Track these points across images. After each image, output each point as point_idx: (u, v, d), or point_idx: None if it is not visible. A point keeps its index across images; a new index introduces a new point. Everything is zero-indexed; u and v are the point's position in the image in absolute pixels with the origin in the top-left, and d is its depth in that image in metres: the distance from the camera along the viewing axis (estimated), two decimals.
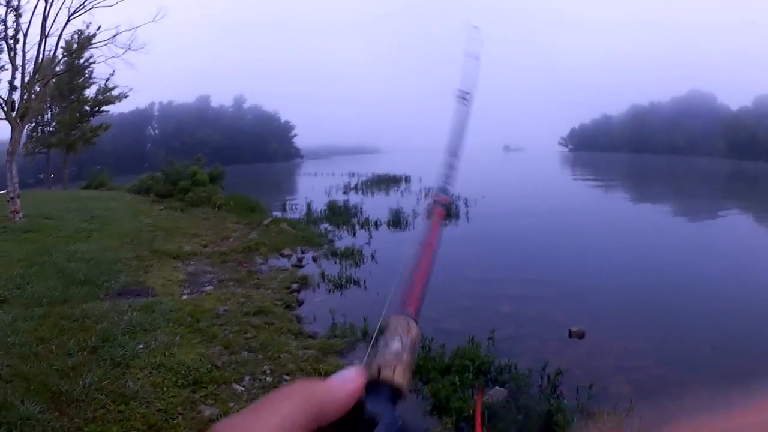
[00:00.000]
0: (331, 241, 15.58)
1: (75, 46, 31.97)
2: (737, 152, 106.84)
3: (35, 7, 16.90)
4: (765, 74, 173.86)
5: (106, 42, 25.13)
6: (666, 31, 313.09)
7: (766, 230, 20.46)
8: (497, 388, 5.86)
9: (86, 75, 37.28)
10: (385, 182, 38.61)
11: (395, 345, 0.81)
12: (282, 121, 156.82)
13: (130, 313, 7.17)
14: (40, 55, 17.09)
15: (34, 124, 36.69)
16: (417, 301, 1.11)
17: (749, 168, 76.11)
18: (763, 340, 8.04)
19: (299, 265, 12.60)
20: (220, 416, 5.13)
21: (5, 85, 16.19)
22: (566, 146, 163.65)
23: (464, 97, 2.12)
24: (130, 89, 37.42)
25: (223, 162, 30.00)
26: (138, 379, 5.25)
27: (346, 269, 11.97)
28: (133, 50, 25.45)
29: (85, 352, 5.84)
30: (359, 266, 12.47)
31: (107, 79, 36.69)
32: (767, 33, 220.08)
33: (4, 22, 16.46)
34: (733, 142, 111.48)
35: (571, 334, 8.15)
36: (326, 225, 18.92)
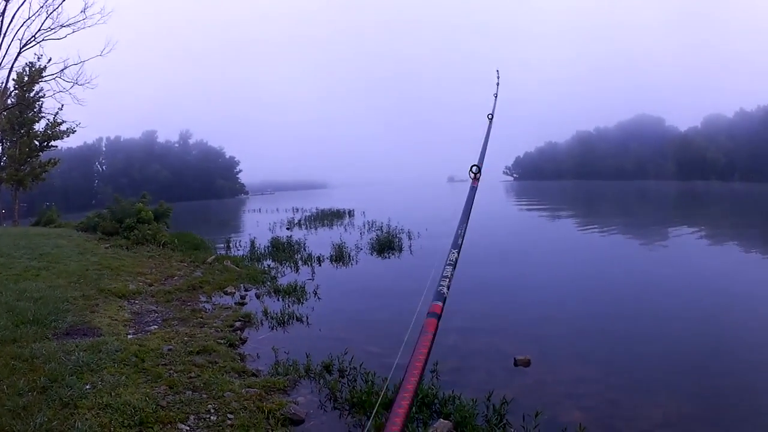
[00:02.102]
0: (274, 278, 15.58)
1: (26, 78, 31.56)
2: (687, 173, 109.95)
3: None
4: (713, 94, 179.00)
5: (54, 76, 24.97)
6: (611, 56, 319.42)
7: (716, 249, 20.88)
8: (441, 420, 5.92)
9: (36, 109, 36.72)
10: (329, 217, 38.81)
11: None
12: (227, 156, 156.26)
13: (77, 353, 7.17)
14: None
15: None
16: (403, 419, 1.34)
17: (700, 187, 78.34)
18: (717, 361, 8.32)
19: (242, 302, 12.60)
20: None
21: None
22: (511, 175, 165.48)
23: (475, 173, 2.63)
24: (78, 124, 36.97)
25: (171, 199, 29.76)
26: (86, 419, 5.29)
27: (288, 306, 12.04)
28: (80, 85, 25.31)
29: (35, 392, 5.85)
30: (302, 303, 12.52)
31: (56, 114, 36.19)
32: (714, 53, 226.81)
33: None
34: (683, 163, 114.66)
35: (516, 363, 8.19)
36: (270, 261, 18.94)
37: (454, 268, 2.00)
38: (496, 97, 3.20)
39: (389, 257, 19.71)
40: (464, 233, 2.24)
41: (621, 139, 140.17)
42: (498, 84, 3.35)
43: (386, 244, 21.16)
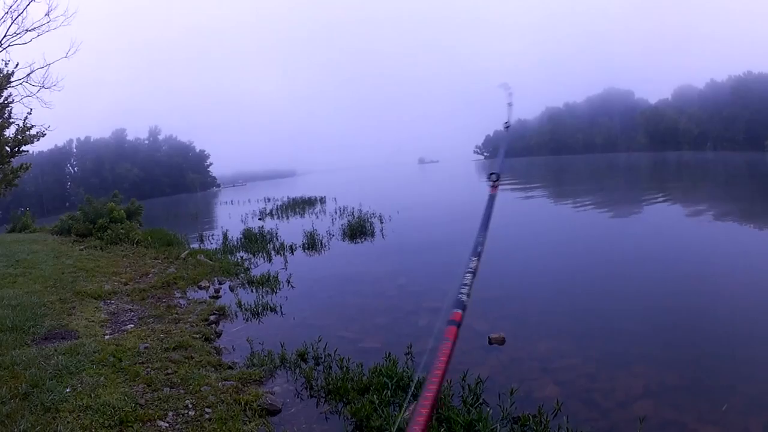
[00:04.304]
0: (248, 269, 15.56)
1: None
2: (659, 144, 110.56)
3: None
4: (682, 65, 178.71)
5: (21, 81, 24.52)
6: (578, 31, 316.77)
7: (690, 219, 20.79)
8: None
9: (6, 115, 36.01)
10: (300, 205, 38.62)
11: None
12: (197, 150, 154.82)
13: (56, 357, 7.17)
14: None
15: None
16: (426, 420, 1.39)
17: (672, 158, 78.98)
18: (696, 330, 8.41)
19: (217, 296, 12.62)
20: None
21: None
22: (481, 154, 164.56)
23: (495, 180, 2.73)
24: (48, 127, 36.36)
25: (143, 195, 29.53)
26: (68, 422, 5.33)
27: (262, 296, 12.04)
28: (47, 88, 24.91)
29: (18, 399, 5.87)
30: (275, 292, 12.55)
31: (25, 119, 35.54)
32: (682, 25, 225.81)
33: None
34: (654, 135, 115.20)
35: (491, 341, 8.16)
36: (243, 253, 18.88)
37: (474, 276, 2.08)
38: (510, 105, 3.27)
39: (361, 242, 19.79)
40: (484, 241, 2.32)
41: (590, 113, 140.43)
42: (511, 94, 3.43)
43: (357, 230, 21.21)
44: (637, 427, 5.34)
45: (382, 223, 23.18)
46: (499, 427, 5.40)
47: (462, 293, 2.02)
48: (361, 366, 7.06)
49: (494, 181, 2.74)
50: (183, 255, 17.56)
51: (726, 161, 65.77)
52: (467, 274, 2.13)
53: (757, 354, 7.26)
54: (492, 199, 2.62)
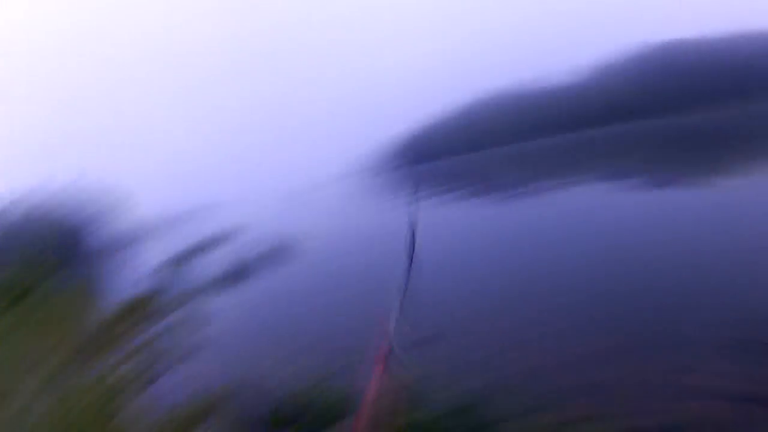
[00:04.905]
0: None
1: None
2: (576, 125, 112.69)
3: None
4: None
5: None
6: None
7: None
8: None
9: None
10: None
11: None
12: None
13: None
14: None
15: None
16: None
17: (586, 138, 78.72)
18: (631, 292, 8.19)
19: None
20: None
21: None
22: (398, 163, 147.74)
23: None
24: None
25: None
26: None
27: None
28: None
29: None
30: None
31: None
32: None
33: None
34: (569, 117, 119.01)
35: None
36: None
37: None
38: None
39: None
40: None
41: (510, 103, 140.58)
42: None
43: None
44: None
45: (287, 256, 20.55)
46: None
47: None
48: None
49: None
50: None
51: (642, 131, 65.20)
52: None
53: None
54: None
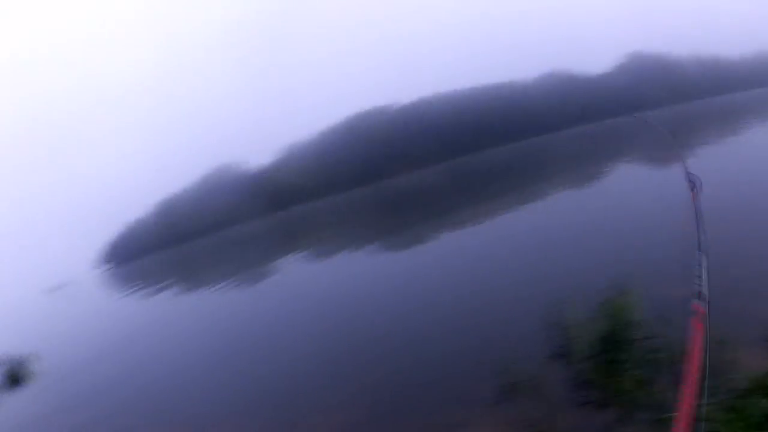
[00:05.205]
0: None
1: None
2: (277, 205, 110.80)
3: None
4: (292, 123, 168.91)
5: None
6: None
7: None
8: None
9: None
10: None
11: None
12: None
13: None
14: None
15: None
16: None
17: (291, 215, 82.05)
18: None
19: None
20: None
21: None
22: (106, 266, 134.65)
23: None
24: None
25: None
26: None
27: None
28: None
29: None
30: None
31: None
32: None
33: None
34: (266, 198, 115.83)
35: None
36: None
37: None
38: None
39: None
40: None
41: (200, 194, 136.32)
42: None
43: None
44: None
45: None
46: None
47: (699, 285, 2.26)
48: None
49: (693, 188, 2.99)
50: None
51: (347, 201, 69.94)
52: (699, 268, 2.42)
53: None
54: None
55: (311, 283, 19.64)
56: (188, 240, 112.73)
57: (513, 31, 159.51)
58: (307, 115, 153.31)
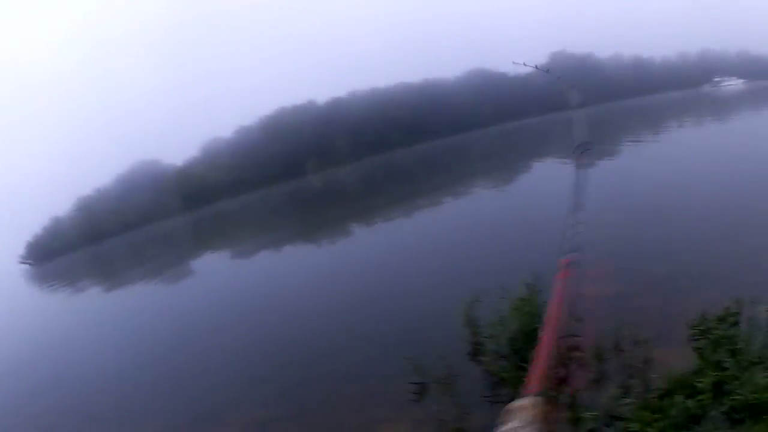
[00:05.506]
0: None
1: None
2: (195, 202, 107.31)
3: None
4: (211, 121, 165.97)
5: None
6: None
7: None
8: None
9: None
10: None
11: None
12: None
13: None
14: None
15: None
16: (543, 373, 1.26)
17: (205, 215, 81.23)
18: None
19: None
20: None
21: None
22: (28, 263, 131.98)
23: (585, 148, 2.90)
24: None
25: None
26: None
27: None
28: None
29: None
30: None
31: None
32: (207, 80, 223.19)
33: None
34: (188, 195, 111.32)
35: None
36: None
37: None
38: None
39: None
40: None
41: (120, 192, 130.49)
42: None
43: None
44: None
45: None
46: None
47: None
48: None
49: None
50: None
51: (265, 199, 70.70)
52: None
53: None
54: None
55: (227, 280, 19.60)
56: (108, 237, 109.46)
57: (434, 29, 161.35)
58: (226, 112, 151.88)
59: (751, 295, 6.17)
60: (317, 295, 13.72)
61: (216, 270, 23.04)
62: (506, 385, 6.05)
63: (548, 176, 24.60)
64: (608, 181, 16.98)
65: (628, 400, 5.09)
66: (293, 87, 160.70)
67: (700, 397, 4.78)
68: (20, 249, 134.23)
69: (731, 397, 4.66)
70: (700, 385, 4.92)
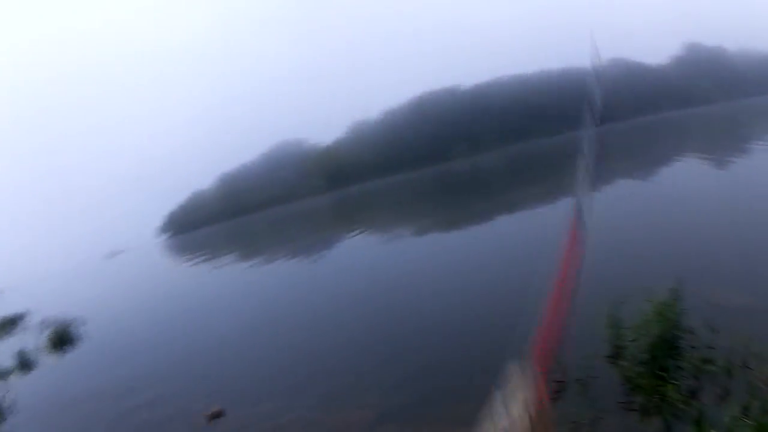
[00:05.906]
0: None
1: None
2: (339, 182, 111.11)
3: None
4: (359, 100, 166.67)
5: None
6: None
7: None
8: None
9: None
10: None
11: (514, 410, 0.85)
12: None
13: None
14: None
15: None
16: (545, 348, 1.35)
17: (347, 195, 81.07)
18: None
19: None
20: None
21: None
22: (165, 235, 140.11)
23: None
24: None
25: None
26: None
27: None
28: None
29: None
30: None
31: None
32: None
33: None
34: (332, 174, 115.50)
35: (210, 418, 7.94)
36: None
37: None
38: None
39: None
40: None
41: (267, 169, 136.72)
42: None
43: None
44: None
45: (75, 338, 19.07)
46: None
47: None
48: None
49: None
50: None
51: (410, 182, 70.27)
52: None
53: None
54: None
55: (363, 260, 19.98)
56: (248, 213, 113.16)
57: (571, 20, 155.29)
58: (374, 94, 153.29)
59: None
60: (457, 281, 13.42)
61: (355, 247, 23.48)
62: (642, 392, 5.80)
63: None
64: None
65: (748, 421, 4.85)
66: (439, 71, 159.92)
67: None
68: (161, 220, 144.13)
69: None
70: None
